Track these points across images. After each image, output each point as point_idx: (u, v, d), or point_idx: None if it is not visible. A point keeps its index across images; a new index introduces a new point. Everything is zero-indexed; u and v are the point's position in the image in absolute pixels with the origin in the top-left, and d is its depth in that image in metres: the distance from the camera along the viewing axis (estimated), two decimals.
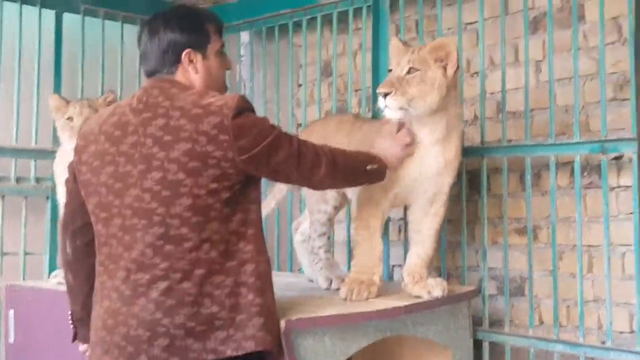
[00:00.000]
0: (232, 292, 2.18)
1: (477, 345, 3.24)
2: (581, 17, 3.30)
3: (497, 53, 3.52)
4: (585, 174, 3.26)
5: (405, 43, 2.85)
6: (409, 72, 2.66)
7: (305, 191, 3.26)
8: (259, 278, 2.24)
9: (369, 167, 2.57)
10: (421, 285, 2.88)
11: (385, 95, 2.63)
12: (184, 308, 2.14)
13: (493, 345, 3.28)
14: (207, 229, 2.17)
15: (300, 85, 4.47)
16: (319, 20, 4.00)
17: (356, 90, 4.10)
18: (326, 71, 4.34)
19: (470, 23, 3.66)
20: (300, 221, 3.47)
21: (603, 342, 3.05)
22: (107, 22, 4.14)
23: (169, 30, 2.33)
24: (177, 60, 2.33)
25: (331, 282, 3.11)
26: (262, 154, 2.22)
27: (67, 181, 2.48)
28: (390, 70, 2.75)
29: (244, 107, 2.21)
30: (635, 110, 2.87)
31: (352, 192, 3.01)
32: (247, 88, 4.56)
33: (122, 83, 4.13)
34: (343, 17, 3.98)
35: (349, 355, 2.67)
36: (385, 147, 2.70)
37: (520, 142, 3.30)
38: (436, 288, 2.87)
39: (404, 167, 2.75)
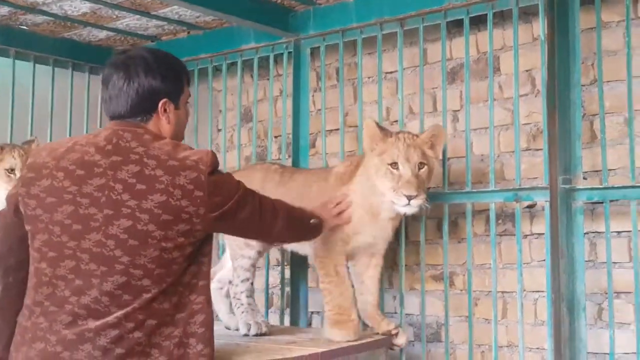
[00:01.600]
0: (181, 343, 2.15)
1: None
2: (497, 69, 3.40)
3: (415, 102, 3.58)
4: (500, 221, 3.32)
5: (380, 127, 2.95)
6: (419, 167, 2.84)
7: (227, 237, 3.25)
8: (208, 328, 2.21)
9: (312, 222, 2.68)
10: (386, 322, 3.08)
11: (410, 197, 2.78)
12: (132, 358, 2.08)
13: None
14: (166, 282, 2.14)
15: (219, 130, 4.44)
16: (239, 65, 4.00)
17: (276, 136, 4.10)
18: (246, 116, 4.33)
19: (390, 72, 3.73)
20: (215, 270, 3.41)
21: None
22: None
23: (151, 76, 2.27)
24: (154, 108, 2.28)
25: (250, 327, 3.08)
26: (231, 210, 2.24)
27: (2, 215, 2.35)
28: (394, 164, 2.81)
29: (217, 164, 2.22)
30: (548, 159, 2.95)
31: (300, 245, 3.14)
32: None
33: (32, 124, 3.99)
34: (264, 62, 3.99)
35: None
36: (325, 210, 2.84)
37: (438, 190, 3.34)
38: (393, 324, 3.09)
39: (364, 232, 2.95)
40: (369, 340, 2.98)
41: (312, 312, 3.72)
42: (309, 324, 3.65)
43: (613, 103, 3.07)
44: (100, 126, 4.24)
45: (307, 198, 2.98)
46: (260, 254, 3.23)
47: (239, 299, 3.19)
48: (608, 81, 3.06)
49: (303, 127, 3.81)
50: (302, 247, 3.18)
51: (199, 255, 2.23)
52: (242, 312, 3.15)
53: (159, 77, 2.28)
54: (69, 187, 2.15)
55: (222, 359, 2.52)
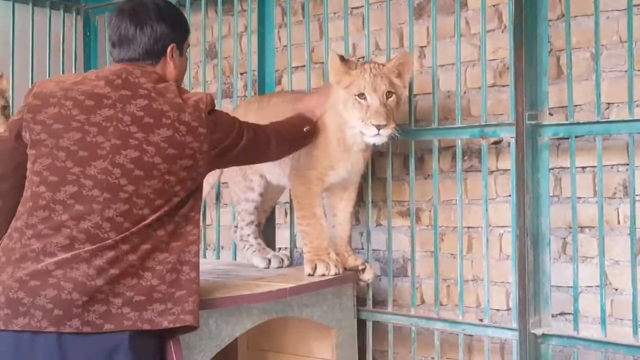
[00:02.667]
0: (174, 269, 2.25)
1: (361, 325, 3.26)
2: (464, 4, 3.34)
3: (382, 38, 3.53)
4: (466, 157, 3.32)
5: (344, 59, 2.95)
6: (387, 97, 2.85)
7: (230, 182, 3.39)
8: (199, 257, 2.34)
9: (306, 129, 2.89)
10: (353, 257, 3.14)
11: (379, 126, 2.80)
12: (125, 278, 2.17)
13: (376, 324, 3.30)
14: (164, 211, 2.25)
15: None
16: (203, 1, 3.89)
17: (242, 73, 4.03)
18: (211, 53, 4.25)
19: (356, 7, 3.66)
20: None
21: (481, 320, 3.12)
22: None
23: (162, 22, 2.41)
24: (163, 53, 2.43)
25: (269, 261, 3.26)
26: (230, 145, 2.43)
27: (3, 139, 2.40)
28: (361, 95, 2.84)
29: (214, 104, 2.39)
30: (514, 96, 2.93)
31: (277, 176, 3.20)
32: None
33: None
34: None
35: (234, 337, 2.66)
36: (309, 110, 2.99)
37: (405, 126, 3.30)
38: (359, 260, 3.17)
39: (337, 167, 2.99)
40: (333, 275, 3.01)
41: (279, 248, 3.72)
42: None
43: (580, 38, 3.05)
44: (63, 63, 4.16)
45: (289, 113, 3.03)
46: (262, 195, 3.31)
47: (246, 241, 3.32)
48: (575, 16, 3.02)
49: (269, 63, 3.76)
50: (280, 178, 3.22)
51: (196, 191, 2.36)
52: (254, 251, 3.29)
53: (169, 23, 2.43)
54: (77, 115, 2.25)
55: None
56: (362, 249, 3.50)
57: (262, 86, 3.75)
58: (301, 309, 2.92)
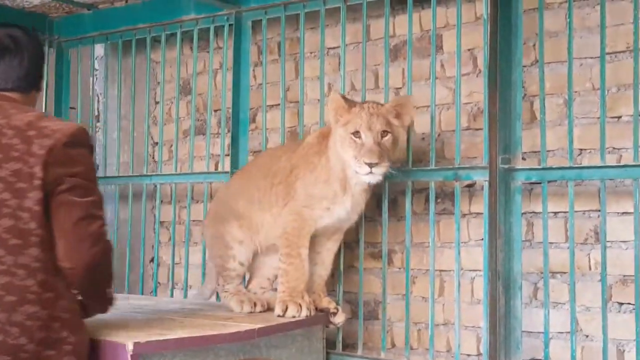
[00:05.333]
0: (44, 326, 2.09)
1: None
2: (439, 48, 3.38)
3: (358, 79, 3.54)
4: (440, 200, 3.32)
5: (346, 98, 2.97)
6: (382, 136, 2.85)
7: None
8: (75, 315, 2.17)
9: (108, 291, 2.41)
10: (327, 299, 3.13)
11: (372, 165, 2.79)
12: None
13: None
14: (26, 254, 2.06)
15: (157, 103, 4.35)
16: (178, 36, 3.91)
17: (215, 110, 4.03)
18: (185, 89, 4.23)
19: (333, 48, 3.68)
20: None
21: None
22: None
23: (39, 50, 2.36)
24: (38, 81, 2.37)
25: (242, 305, 3.11)
26: (62, 187, 2.14)
27: None
28: (356, 133, 2.84)
29: (81, 139, 2.20)
30: (488, 139, 2.95)
31: (271, 224, 3.12)
32: (101, 103, 4.39)
33: None
34: (204, 34, 3.90)
35: None
36: None
37: (403, 166, 3.30)
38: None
39: (334, 209, 2.98)
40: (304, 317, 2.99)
41: None
42: None
43: (553, 84, 3.08)
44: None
45: (277, 169, 3.10)
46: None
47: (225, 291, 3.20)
48: (549, 62, 3.06)
49: (243, 101, 3.76)
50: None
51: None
52: (231, 295, 3.15)
53: (41, 50, 2.37)
54: None
55: (152, 332, 2.52)
56: (333, 290, 3.45)
57: (235, 123, 3.74)
58: (269, 351, 2.87)
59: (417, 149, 3.32)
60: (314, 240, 3.11)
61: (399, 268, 3.42)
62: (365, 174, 2.82)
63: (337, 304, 3.20)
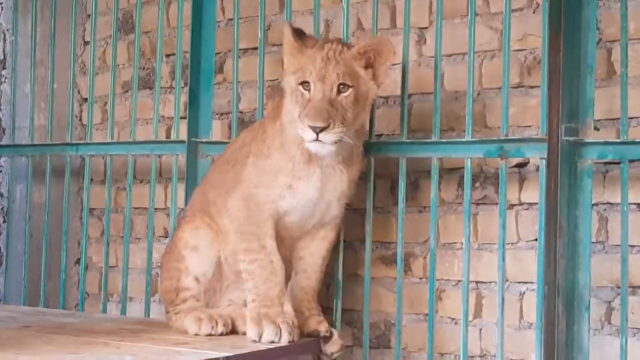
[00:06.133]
0: None
1: None
2: None
3: (367, 14, 3.52)
4: (478, 185, 3.31)
5: (300, 34, 3.00)
6: (339, 90, 2.85)
7: None
8: None
9: None
10: (317, 319, 3.13)
11: (320, 129, 2.78)
12: None
13: None
14: None
15: (87, 44, 4.36)
16: None
17: (168, 55, 4.04)
18: (125, 25, 4.27)
19: None
20: None
21: None
22: None
23: None
24: None
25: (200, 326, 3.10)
26: None
27: None
28: (304, 84, 2.87)
29: None
30: (547, 101, 2.93)
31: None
32: (8, 43, 4.39)
33: None
34: None
35: None
36: None
37: (393, 138, 3.33)
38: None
39: (298, 188, 3.00)
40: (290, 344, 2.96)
41: None
42: None
43: None
44: None
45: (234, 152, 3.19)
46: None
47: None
48: None
49: (206, 43, 3.75)
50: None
51: None
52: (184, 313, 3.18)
53: None
54: None
55: None
56: (329, 307, 3.44)
57: (196, 74, 3.74)
58: None
59: (447, 112, 3.32)
60: (293, 242, 3.16)
61: (420, 278, 3.43)
62: (310, 141, 2.83)
63: (332, 326, 3.19)
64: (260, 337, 2.93)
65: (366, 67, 2.93)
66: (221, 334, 3.05)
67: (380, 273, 3.49)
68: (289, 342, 2.93)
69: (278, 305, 2.98)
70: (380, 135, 3.40)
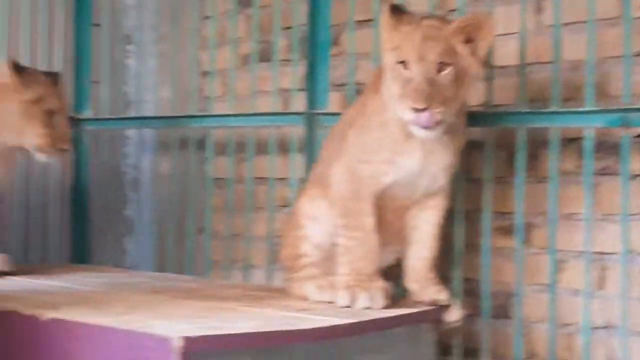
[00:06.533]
0: None
1: None
2: None
3: None
4: (599, 155, 3.24)
5: (398, 10, 2.93)
6: (439, 69, 2.80)
7: None
8: None
9: None
10: (436, 288, 3.13)
11: (419, 110, 2.75)
12: None
13: None
14: None
15: (207, 18, 4.40)
16: None
17: (285, 28, 4.04)
18: (244, 0, 4.27)
19: None
20: None
21: None
22: None
23: None
24: None
25: None
26: None
27: None
28: (403, 63, 2.80)
29: None
30: None
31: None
32: (133, 19, 4.43)
33: None
34: None
35: None
36: None
37: (511, 108, 3.30)
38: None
39: (400, 163, 2.96)
40: (407, 311, 3.00)
41: None
42: None
43: None
44: None
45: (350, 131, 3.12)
46: None
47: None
48: None
49: (323, 15, 3.74)
50: None
51: None
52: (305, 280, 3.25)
53: None
54: None
55: (206, 323, 2.59)
56: (449, 277, 3.45)
57: (313, 47, 3.74)
58: (360, 356, 2.87)
59: (567, 82, 3.27)
60: (404, 213, 3.15)
61: (540, 249, 3.39)
62: (410, 123, 2.80)
63: (452, 295, 3.19)
64: (354, 302, 2.96)
65: (466, 42, 2.88)
66: None
67: (500, 243, 3.46)
68: (384, 307, 2.95)
69: (371, 280, 3.01)
70: (497, 106, 3.37)
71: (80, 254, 4.35)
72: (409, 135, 2.92)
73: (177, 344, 2.30)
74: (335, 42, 3.93)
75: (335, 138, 3.23)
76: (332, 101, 3.81)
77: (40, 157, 3.60)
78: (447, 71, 2.81)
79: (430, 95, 2.74)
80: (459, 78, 2.85)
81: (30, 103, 3.53)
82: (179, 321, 2.61)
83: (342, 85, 3.82)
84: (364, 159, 3.01)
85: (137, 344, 2.41)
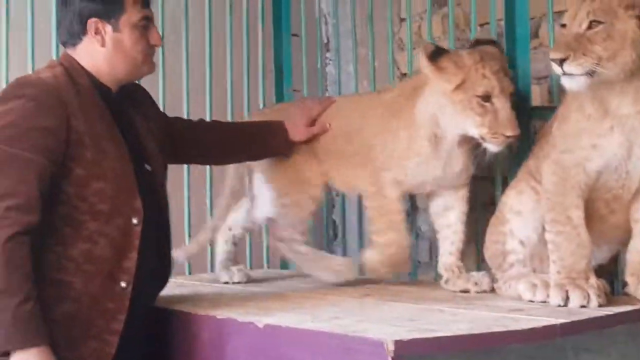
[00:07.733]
0: None
1: None
2: None
3: None
4: None
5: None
6: (589, 26, 2.79)
7: None
8: None
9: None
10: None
11: (562, 61, 2.76)
12: None
13: None
14: None
15: (403, 20, 4.39)
16: None
17: (482, 25, 3.98)
18: (439, 0, 4.26)
19: None
20: None
21: None
22: None
23: None
24: (83, 31, 2.80)
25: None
26: None
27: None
28: (563, 26, 2.87)
29: (12, 94, 2.68)
30: None
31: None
32: (330, 26, 4.51)
33: None
34: None
35: None
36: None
37: None
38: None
39: (604, 145, 2.87)
40: (627, 308, 2.87)
41: None
42: None
43: None
44: None
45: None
46: None
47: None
48: None
49: (521, 8, 3.66)
50: None
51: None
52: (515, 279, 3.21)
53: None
54: None
55: (415, 325, 2.59)
56: None
57: (511, 40, 3.67)
58: (578, 356, 2.79)
59: None
60: (619, 207, 3.03)
61: None
62: (560, 76, 2.80)
63: None
64: (566, 302, 2.87)
65: (627, 8, 2.79)
66: None
67: None
68: (599, 306, 2.85)
69: (584, 278, 2.91)
70: None
71: None
72: (603, 116, 2.86)
73: (390, 347, 2.31)
74: (535, 34, 3.87)
75: (546, 133, 3.17)
76: (535, 95, 3.74)
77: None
78: (597, 29, 2.77)
79: (570, 46, 2.76)
80: (614, 38, 2.77)
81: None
82: (391, 325, 2.62)
83: (544, 77, 3.71)
84: (566, 148, 2.95)
85: (352, 348, 2.42)
